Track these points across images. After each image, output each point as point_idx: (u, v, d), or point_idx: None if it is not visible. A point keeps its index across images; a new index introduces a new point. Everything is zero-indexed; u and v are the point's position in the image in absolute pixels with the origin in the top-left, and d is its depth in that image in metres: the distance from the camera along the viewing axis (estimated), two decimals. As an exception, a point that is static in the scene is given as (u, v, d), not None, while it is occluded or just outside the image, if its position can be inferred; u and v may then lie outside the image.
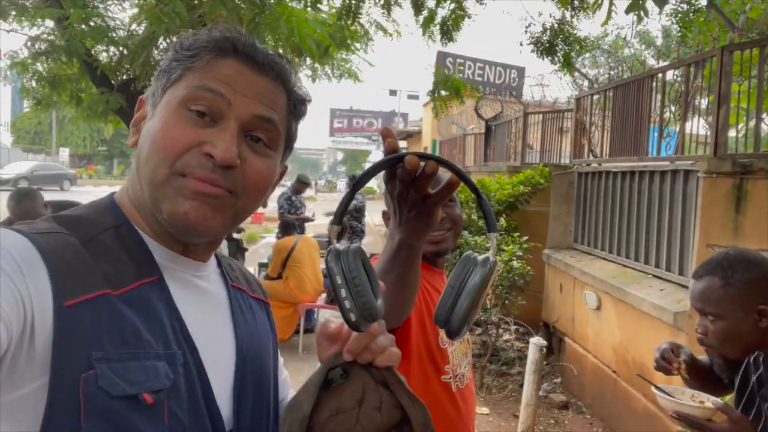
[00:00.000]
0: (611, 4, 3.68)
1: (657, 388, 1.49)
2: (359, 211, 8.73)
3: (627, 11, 2.86)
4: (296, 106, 0.79)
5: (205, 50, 0.73)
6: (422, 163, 0.73)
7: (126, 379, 0.60)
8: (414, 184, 0.76)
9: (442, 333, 1.41)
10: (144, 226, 0.73)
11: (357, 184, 0.78)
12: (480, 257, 0.75)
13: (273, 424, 0.82)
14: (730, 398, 1.56)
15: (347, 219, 8.17)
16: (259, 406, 0.79)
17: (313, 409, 0.72)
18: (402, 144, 27.03)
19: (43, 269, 0.60)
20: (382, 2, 4.72)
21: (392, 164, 0.75)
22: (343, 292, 0.70)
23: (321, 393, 0.74)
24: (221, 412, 0.71)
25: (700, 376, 1.58)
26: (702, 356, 1.64)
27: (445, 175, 1.49)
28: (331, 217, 0.76)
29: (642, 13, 3.10)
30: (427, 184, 0.76)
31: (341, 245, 0.73)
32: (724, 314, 1.40)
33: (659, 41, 15.84)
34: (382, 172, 0.78)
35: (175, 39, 0.76)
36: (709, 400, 1.43)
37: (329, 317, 0.82)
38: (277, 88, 0.76)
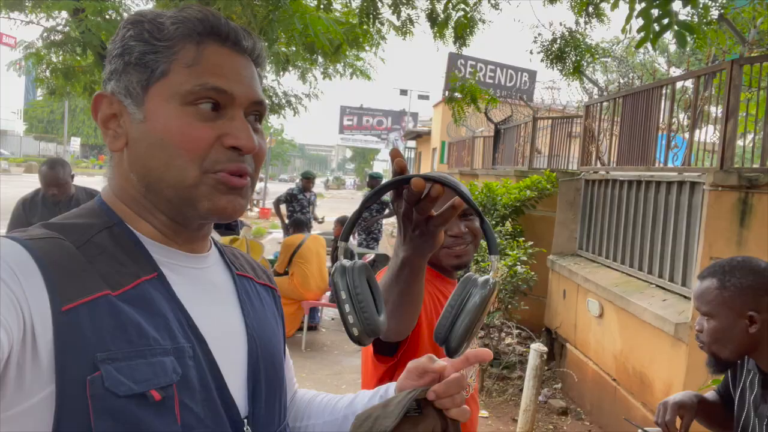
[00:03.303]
0: (632, 11, 3.67)
1: (643, 430, 1.57)
2: (380, 210, 8.09)
3: (637, 46, 2.86)
4: (260, 73, 0.80)
5: (183, 38, 0.71)
6: (428, 186, 0.75)
7: (132, 378, 0.61)
8: (418, 207, 0.78)
9: None
10: (139, 224, 0.74)
11: (366, 202, 0.81)
12: (480, 279, 0.77)
13: (284, 408, 0.85)
14: None
15: (366, 216, 8.09)
16: (272, 392, 0.80)
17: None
18: (411, 144, 27.05)
19: (39, 276, 0.60)
20: (394, 8, 4.75)
21: (399, 185, 0.77)
22: (347, 307, 0.73)
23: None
24: (235, 400, 0.72)
25: (708, 417, 1.62)
26: (709, 393, 1.68)
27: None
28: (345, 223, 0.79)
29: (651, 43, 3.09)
30: (431, 206, 0.78)
31: (347, 261, 0.76)
32: (716, 315, 1.45)
33: (672, 47, 15.75)
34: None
35: (127, 26, 0.73)
36: None
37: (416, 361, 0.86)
38: (251, 63, 0.76)
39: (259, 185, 21.07)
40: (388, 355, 1.25)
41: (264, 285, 0.90)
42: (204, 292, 0.76)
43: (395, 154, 0.78)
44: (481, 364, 1.04)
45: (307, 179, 7.93)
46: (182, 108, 0.70)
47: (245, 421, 0.73)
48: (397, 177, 0.77)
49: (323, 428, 0.93)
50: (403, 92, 32.01)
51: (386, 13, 5.44)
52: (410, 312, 1.00)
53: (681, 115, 4.08)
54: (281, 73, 7.75)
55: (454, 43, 5.44)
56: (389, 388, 0.90)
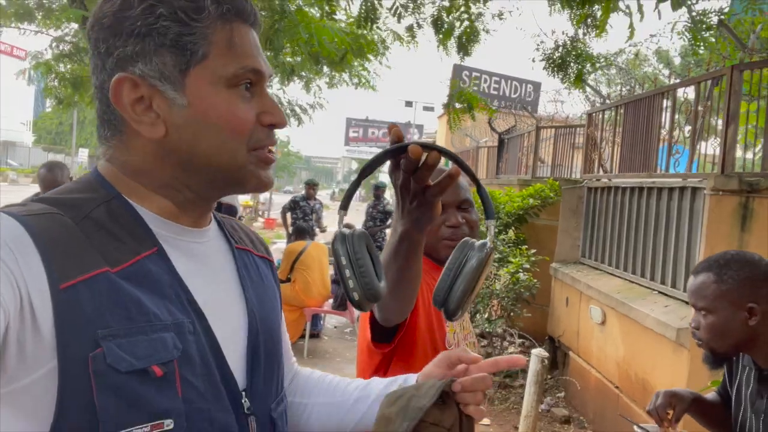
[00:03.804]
0: (631, 23, 3.72)
1: (639, 426, 1.56)
2: (384, 220, 8.11)
3: (673, 8, 2.90)
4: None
5: (216, 18, 0.70)
6: (425, 154, 0.76)
7: (133, 354, 0.62)
8: (416, 175, 0.78)
9: (449, 335, 1.42)
10: (147, 198, 0.73)
11: (363, 171, 0.80)
12: (477, 242, 0.78)
13: (281, 381, 0.85)
14: None
15: (371, 225, 8.12)
16: (270, 365, 0.81)
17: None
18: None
19: (35, 253, 0.60)
20: (393, 11, 4.80)
21: (397, 154, 0.78)
22: (347, 272, 0.74)
23: None
24: (234, 374, 0.73)
25: (706, 416, 1.60)
26: (709, 394, 1.66)
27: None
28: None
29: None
30: (428, 174, 0.78)
31: (347, 230, 0.77)
32: (714, 309, 1.42)
33: (677, 61, 15.80)
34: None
35: (150, 2, 0.68)
36: None
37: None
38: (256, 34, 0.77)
39: (264, 196, 21.11)
40: (385, 341, 1.26)
41: (262, 257, 0.90)
42: (204, 266, 0.76)
43: (392, 127, 0.79)
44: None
45: (309, 186, 7.99)
46: (228, 91, 0.70)
47: (243, 393, 0.74)
48: (395, 145, 0.77)
49: (333, 408, 0.93)
50: (408, 104, 32.16)
51: (390, 21, 5.50)
52: (409, 289, 0.99)
53: (683, 125, 4.09)
54: (286, 82, 7.83)
55: (458, 52, 5.49)
56: (408, 378, 0.90)
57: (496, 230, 5.77)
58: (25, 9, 6.68)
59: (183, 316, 0.68)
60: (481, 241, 0.79)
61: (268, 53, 5.65)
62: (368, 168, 0.80)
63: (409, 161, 0.76)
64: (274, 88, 8.31)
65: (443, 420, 0.78)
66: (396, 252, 0.91)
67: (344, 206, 0.80)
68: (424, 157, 0.76)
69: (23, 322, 0.58)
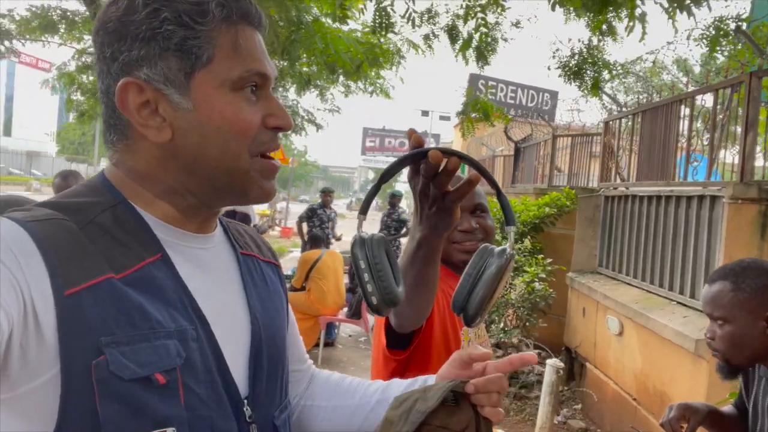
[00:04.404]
0: (644, 24, 3.69)
1: None
2: (398, 229, 8.10)
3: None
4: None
5: (221, 21, 0.70)
6: (445, 159, 0.76)
7: (137, 362, 0.61)
8: (435, 180, 0.78)
9: (464, 343, 1.40)
10: (153, 205, 0.72)
11: (383, 176, 0.80)
12: (497, 249, 0.78)
13: (285, 388, 0.84)
14: None
15: (385, 233, 8.15)
16: (273, 372, 0.80)
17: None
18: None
19: (39, 259, 0.60)
20: (407, 17, 4.83)
21: (417, 159, 0.78)
22: (366, 277, 0.74)
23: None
24: (236, 381, 0.73)
25: (722, 429, 1.57)
26: (726, 407, 1.63)
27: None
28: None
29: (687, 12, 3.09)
30: (448, 180, 0.78)
31: (366, 234, 0.77)
32: (731, 319, 1.39)
33: (697, 68, 15.60)
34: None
35: (154, 5, 0.68)
36: None
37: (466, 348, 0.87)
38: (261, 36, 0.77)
39: (281, 205, 21.22)
40: (401, 348, 1.24)
41: (268, 262, 0.89)
42: (208, 272, 0.76)
43: (412, 133, 0.80)
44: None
45: (325, 194, 8.04)
46: (233, 94, 0.70)
47: (245, 401, 0.74)
48: (415, 150, 0.77)
49: (354, 411, 0.92)
50: (425, 113, 32.11)
51: (405, 30, 5.54)
52: (426, 295, 0.99)
53: (701, 133, 4.03)
54: (303, 93, 7.90)
55: (477, 62, 5.49)
56: (428, 379, 0.89)
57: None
58: (48, 22, 6.85)
59: (186, 323, 0.68)
60: (501, 247, 0.78)
61: (284, 63, 5.71)
62: (388, 173, 0.80)
63: (429, 167, 0.76)
64: (290, 98, 8.39)
65: (452, 423, 0.77)
66: (414, 258, 0.91)
67: (363, 211, 0.80)
68: (444, 163, 0.76)
69: (26, 328, 0.58)
